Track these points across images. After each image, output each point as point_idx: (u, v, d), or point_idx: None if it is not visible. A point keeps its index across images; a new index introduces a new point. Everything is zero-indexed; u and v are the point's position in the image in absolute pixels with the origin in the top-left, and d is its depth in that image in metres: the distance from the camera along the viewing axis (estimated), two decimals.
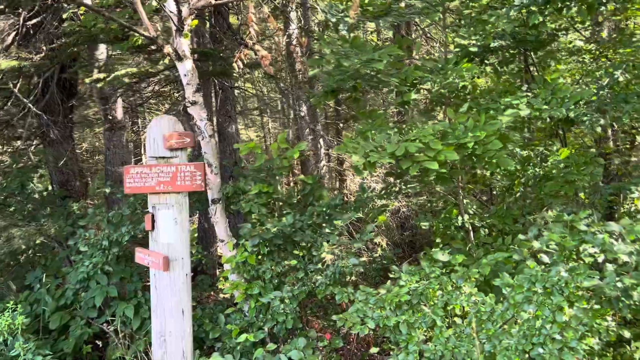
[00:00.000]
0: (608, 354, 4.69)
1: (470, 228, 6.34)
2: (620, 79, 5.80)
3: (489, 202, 7.58)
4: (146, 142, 4.85)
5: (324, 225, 5.15)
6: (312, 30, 11.11)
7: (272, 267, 4.96)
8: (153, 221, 4.78)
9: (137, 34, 4.91)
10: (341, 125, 11.40)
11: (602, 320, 4.18)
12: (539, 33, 5.77)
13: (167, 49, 4.69)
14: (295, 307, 4.89)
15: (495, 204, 7.32)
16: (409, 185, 7.05)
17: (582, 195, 6.48)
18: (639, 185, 5.27)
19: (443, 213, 7.26)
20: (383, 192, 7.08)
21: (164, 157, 4.77)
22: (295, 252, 5.15)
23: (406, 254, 9.89)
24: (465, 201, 7.01)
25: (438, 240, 7.08)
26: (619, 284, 4.10)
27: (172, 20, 4.64)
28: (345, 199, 11.23)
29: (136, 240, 5.84)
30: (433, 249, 5.28)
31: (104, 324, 5.59)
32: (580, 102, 5.28)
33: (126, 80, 6.08)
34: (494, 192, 7.35)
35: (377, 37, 15.07)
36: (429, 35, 12.15)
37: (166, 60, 4.86)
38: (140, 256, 4.93)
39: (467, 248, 6.13)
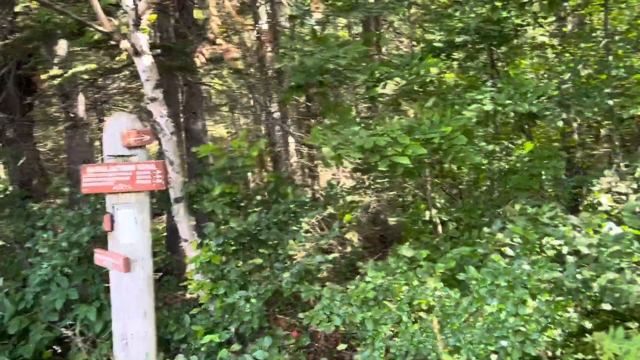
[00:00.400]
0: (571, 344, 4.77)
1: (438, 222, 6.37)
2: (582, 73, 5.89)
3: (457, 196, 7.63)
4: (103, 140, 4.72)
5: (290, 222, 5.09)
6: (281, 25, 11.01)
7: (238, 267, 4.88)
8: (112, 221, 4.65)
9: (93, 29, 4.76)
10: (312, 121, 11.34)
11: (564, 312, 4.22)
12: (502, 28, 5.81)
13: (124, 44, 4.55)
14: (262, 306, 4.83)
15: (463, 198, 7.38)
16: (377, 181, 7.05)
17: (549, 189, 6.57)
18: (601, 178, 5.35)
19: (411, 208, 7.30)
20: (352, 188, 7.07)
21: (122, 156, 4.64)
22: (261, 250, 5.08)
23: (377, 249, 9.90)
24: (433, 195, 7.05)
25: (409, 234, 7.11)
26: (579, 276, 4.15)
27: (128, 14, 4.50)
28: (317, 195, 11.19)
29: (99, 241, 5.68)
30: (399, 245, 5.28)
31: (66, 328, 5.43)
32: (543, 97, 5.33)
33: (85, 76, 5.90)
34: (461, 186, 7.40)
35: (349, 32, 15.03)
36: (398, 31, 12.17)
37: (124, 56, 4.73)
38: (100, 258, 4.79)
39: (435, 242, 6.16)
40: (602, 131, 8.64)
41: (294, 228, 5.10)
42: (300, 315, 4.53)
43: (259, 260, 4.88)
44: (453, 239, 6.10)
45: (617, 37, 5.67)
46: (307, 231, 5.17)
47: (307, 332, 5.18)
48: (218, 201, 4.94)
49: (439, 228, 6.33)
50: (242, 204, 5.24)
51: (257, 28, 10.29)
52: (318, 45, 6.05)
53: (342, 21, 14.49)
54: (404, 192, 8.56)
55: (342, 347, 5.06)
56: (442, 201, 7.20)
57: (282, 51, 5.54)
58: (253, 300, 4.74)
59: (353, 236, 10.37)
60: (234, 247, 4.93)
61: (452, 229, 6.42)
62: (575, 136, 8.37)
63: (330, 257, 5.24)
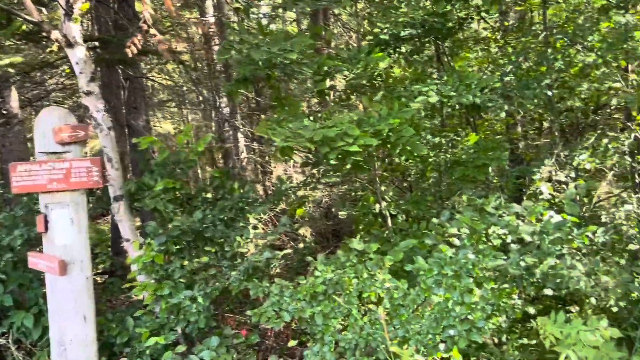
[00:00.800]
0: (516, 330, 4.88)
1: (387, 215, 6.39)
2: (523, 66, 6.03)
3: (406, 189, 7.70)
4: (35, 136, 4.44)
5: (236, 219, 4.96)
6: (228, 18, 10.80)
7: (183, 266, 4.72)
8: (46, 222, 4.39)
9: (20, 19, 4.47)
10: (262, 116, 11.21)
11: (509, 299, 4.30)
12: (446, 21, 5.87)
13: (55, 34, 4.29)
14: (209, 306, 4.69)
15: (412, 191, 7.44)
16: (327, 175, 7.02)
17: (494, 179, 6.71)
18: (541, 168, 5.50)
19: (361, 201, 7.30)
20: (302, 183, 7.00)
21: (55, 153, 4.38)
22: (207, 248, 4.94)
23: (331, 243, 9.89)
24: (383, 189, 7.08)
25: (359, 227, 7.12)
26: (522, 263, 4.23)
27: (59, 3, 4.25)
28: (269, 191, 11.08)
29: (35, 244, 5.37)
30: (350, 239, 5.25)
31: (0, 336, 5.11)
32: (486, 89, 5.43)
33: (10, 70, 5.52)
34: (410, 179, 7.47)
35: (298, 27, 14.94)
36: (347, 26, 12.18)
37: (55, 47, 4.47)
38: (34, 261, 4.52)
39: (385, 235, 6.18)
40: (545, 124, 8.93)
41: (241, 224, 4.98)
42: (249, 312, 4.44)
43: (204, 259, 4.74)
44: (402, 231, 6.14)
45: (555, 30, 5.84)
46: (254, 227, 5.05)
47: (257, 330, 5.08)
48: (161, 198, 4.75)
49: (389, 221, 6.35)
50: (188, 201, 5.07)
51: (203, 22, 10.05)
52: (265, 38, 5.95)
53: (291, 15, 14.40)
54: (355, 186, 8.57)
55: (292, 343, 5.00)
56: (391, 194, 7.24)
57: (227, 44, 5.39)
58: (199, 300, 4.60)
59: (306, 231, 10.33)
60: (178, 246, 4.76)
61: (402, 222, 6.47)
62: (519, 128, 8.61)
63: (280, 253, 5.16)
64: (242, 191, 5.22)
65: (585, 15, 5.62)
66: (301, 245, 9.26)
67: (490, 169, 6.06)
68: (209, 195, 5.09)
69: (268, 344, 5.28)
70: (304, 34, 6.04)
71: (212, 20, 10.28)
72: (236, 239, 4.81)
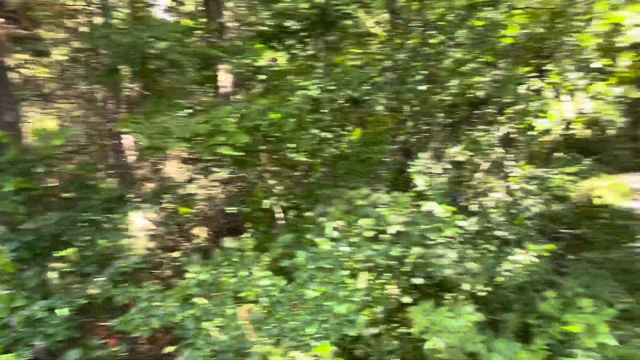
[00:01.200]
0: (396, 320, 4.94)
1: (276, 210, 6.29)
2: (403, 58, 6.15)
3: (297, 184, 7.62)
4: None
5: (99, 221, 4.58)
6: (113, 8, 10.14)
7: (38, 273, 4.28)
8: None
9: None
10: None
11: (383, 290, 4.34)
12: (324, 14, 5.85)
13: None
14: (70, 316, 4.30)
15: (302, 185, 7.38)
16: (212, 170, 6.78)
17: (382, 173, 6.81)
18: (416, 161, 5.61)
19: (251, 197, 7.15)
20: (186, 181, 6.69)
21: None
22: (68, 253, 4.52)
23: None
24: (273, 183, 6.95)
25: (249, 224, 6.95)
26: (393, 253, 4.26)
27: None
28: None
29: None
30: (226, 237, 5.07)
31: None
32: (366, 83, 5.47)
33: None
34: (298, 173, 7.43)
35: (196, 20, 14.40)
36: (241, 20, 11.89)
37: None
38: None
39: (274, 231, 6.07)
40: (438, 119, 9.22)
41: (108, 226, 4.61)
42: (114, 321, 4.13)
43: (62, 265, 4.33)
44: (290, 226, 6.05)
45: (427, 27, 6.01)
46: (124, 229, 4.71)
47: (129, 338, 4.75)
48: (11, 200, 4.27)
49: (277, 216, 6.24)
50: (45, 201, 4.62)
51: (90, 10, 9.34)
52: (138, 25, 5.61)
53: (185, 8, 13.84)
54: (247, 183, 8.36)
55: (169, 349, 4.72)
56: (281, 188, 7.13)
57: (94, 27, 4.99)
58: (58, 311, 4.19)
59: (201, 231, 9.96)
60: (33, 252, 4.31)
61: (292, 216, 6.39)
62: (410, 123, 8.84)
63: (171, 255, 4.86)
64: (110, 190, 4.84)
65: (456, 12, 5.83)
66: (193, 245, 8.90)
67: (375, 163, 6.13)
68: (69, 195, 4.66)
69: (140, 352, 4.97)
70: (176, 22, 5.77)
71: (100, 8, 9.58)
72: (99, 242, 4.44)
